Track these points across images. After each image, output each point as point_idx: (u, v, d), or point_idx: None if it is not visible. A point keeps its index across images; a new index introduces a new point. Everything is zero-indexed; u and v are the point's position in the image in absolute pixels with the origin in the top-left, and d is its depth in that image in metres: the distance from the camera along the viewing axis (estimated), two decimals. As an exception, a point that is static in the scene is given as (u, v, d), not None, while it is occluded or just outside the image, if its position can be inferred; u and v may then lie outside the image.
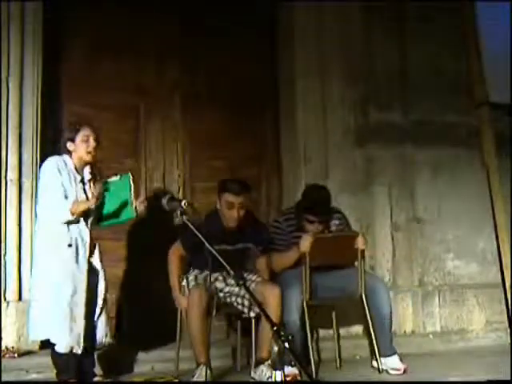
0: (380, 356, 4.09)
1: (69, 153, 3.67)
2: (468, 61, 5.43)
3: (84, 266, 3.59)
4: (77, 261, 3.57)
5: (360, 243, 4.15)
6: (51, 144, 4.57)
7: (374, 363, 4.14)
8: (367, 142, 5.15)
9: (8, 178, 4.33)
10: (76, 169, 3.66)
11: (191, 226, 3.14)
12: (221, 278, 4.03)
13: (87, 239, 3.63)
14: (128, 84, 4.97)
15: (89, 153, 3.65)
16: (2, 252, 4.26)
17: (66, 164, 3.64)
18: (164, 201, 3.39)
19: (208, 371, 3.70)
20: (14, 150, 4.35)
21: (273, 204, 5.36)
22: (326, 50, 5.19)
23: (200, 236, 3.07)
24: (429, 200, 5.23)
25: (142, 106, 5.05)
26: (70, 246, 3.56)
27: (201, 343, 3.78)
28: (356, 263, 4.21)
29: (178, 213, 3.23)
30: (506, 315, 5.18)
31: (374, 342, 4.12)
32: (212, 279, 3.94)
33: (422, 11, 5.26)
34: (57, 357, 3.58)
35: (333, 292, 4.21)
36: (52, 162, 3.63)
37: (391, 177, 5.16)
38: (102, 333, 3.64)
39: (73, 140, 3.65)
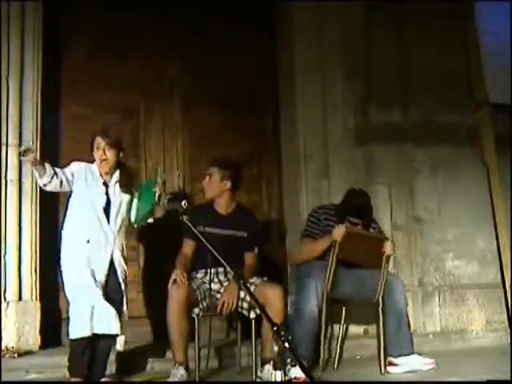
0: (397, 356, 4.05)
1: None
2: (468, 61, 5.43)
3: (105, 263, 3.63)
4: (98, 257, 3.62)
5: (388, 249, 4.17)
6: (51, 144, 4.59)
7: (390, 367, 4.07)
8: (367, 142, 5.15)
9: (8, 178, 4.33)
10: (101, 174, 3.74)
11: (191, 226, 3.15)
12: (216, 279, 4.00)
13: (111, 237, 3.67)
14: (128, 84, 4.97)
15: (103, 160, 3.73)
16: (2, 252, 4.27)
17: (90, 170, 3.75)
18: (164, 201, 3.41)
19: (184, 372, 3.69)
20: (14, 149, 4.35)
21: (273, 204, 5.36)
22: (326, 50, 5.18)
23: (199, 234, 3.08)
24: (429, 199, 5.23)
25: (142, 106, 5.06)
26: (87, 242, 3.62)
27: (177, 341, 3.74)
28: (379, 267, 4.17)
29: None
30: (506, 315, 5.18)
31: (382, 341, 4.09)
32: (207, 280, 3.93)
33: (422, 11, 5.26)
34: (74, 354, 3.58)
35: (351, 290, 4.18)
36: (81, 164, 3.76)
37: (391, 176, 5.16)
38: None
39: (92, 149, 3.77)
